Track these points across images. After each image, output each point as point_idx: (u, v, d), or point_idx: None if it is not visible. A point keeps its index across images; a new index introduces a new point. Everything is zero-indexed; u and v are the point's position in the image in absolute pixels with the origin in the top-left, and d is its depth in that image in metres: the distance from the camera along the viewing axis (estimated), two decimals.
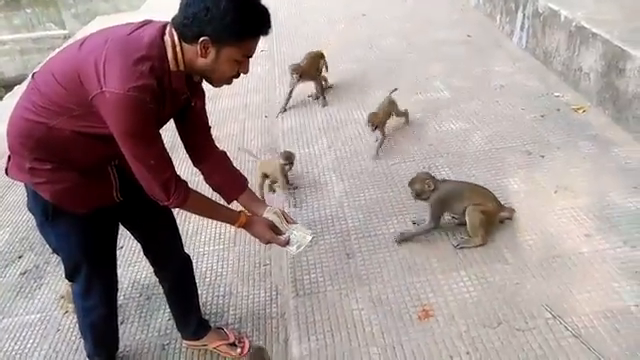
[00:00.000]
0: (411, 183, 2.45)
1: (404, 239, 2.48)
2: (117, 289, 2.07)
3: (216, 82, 1.59)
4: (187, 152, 1.87)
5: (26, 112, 1.54)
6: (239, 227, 1.83)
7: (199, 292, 2.60)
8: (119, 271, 2.06)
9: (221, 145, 3.47)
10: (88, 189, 1.67)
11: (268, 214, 1.90)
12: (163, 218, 2.00)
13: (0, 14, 11.59)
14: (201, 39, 1.43)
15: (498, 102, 3.72)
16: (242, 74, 1.60)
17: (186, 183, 1.67)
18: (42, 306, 2.70)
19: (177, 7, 1.47)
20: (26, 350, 2.44)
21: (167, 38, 1.48)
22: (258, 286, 2.66)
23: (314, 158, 3.29)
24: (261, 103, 4.57)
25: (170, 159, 1.61)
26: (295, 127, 3.75)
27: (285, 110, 4.04)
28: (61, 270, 2.03)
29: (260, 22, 1.49)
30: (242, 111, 4.48)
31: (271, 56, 5.26)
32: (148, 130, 1.49)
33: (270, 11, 1.48)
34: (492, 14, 5.18)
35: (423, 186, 2.38)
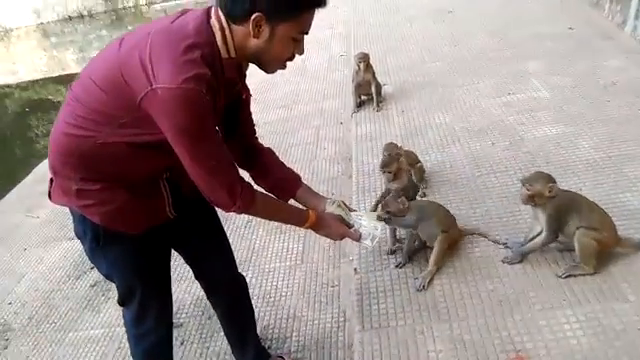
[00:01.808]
0: (530, 180, 2.01)
1: (521, 259, 2.08)
2: (172, 314, 1.89)
3: (270, 67, 1.41)
4: (234, 155, 1.63)
5: (67, 127, 1.38)
6: (309, 227, 1.65)
7: (262, 313, 2.43)
8: (182, 286, 1.90)
9: (294, 153, 3.26)
10: (140, 207, 1.51)
11: (332, 207, 1.73)
12: (217, 236, 1.83)
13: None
14: (254, 16, 1.26)
15: (609, 102, 3.18)
16: (297, 55, 1.41)
17: (250, 184, 1.49)
18: (107, 321, 2.63)
19: None
20: None
21: (214, 21, 1.31)
22: (325, 310, 2.40)
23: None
24: (337, 109, 4.35)
25: (232, 159, 1.44)
26: (370, 134, 3.46)
27: (359, 106, 3.86)
28: None
29: None
30: (317, 117, 4.28)
31: (349, 60, 5.04)
32: (207, 126, 1.31)
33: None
34: (599, 3, 4.57)
35: (544, 190, 1.96)
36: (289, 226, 2.84)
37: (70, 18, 14.49)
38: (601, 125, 2.95)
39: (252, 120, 1.70)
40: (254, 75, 5.20)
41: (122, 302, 1.73)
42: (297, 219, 1.65)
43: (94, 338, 2.53)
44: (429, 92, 3.85)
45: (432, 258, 2.13)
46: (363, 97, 3.98)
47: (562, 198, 1.98)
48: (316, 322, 2.34)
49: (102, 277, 2.89)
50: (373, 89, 3.80)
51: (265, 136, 4.05)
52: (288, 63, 1.43)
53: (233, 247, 2.87)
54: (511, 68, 3.87)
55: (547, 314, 1.85)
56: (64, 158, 1.41)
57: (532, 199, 1.99)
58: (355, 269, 2.32)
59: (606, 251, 1.98)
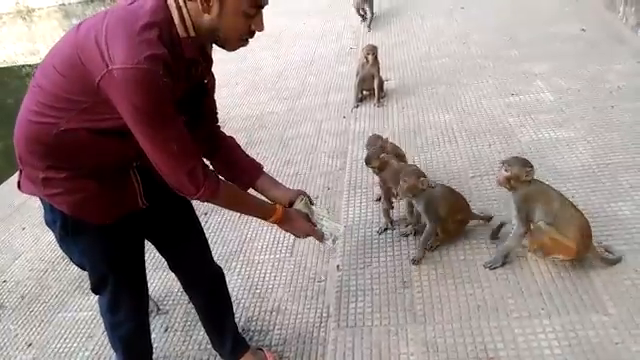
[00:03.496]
0: (509, 162, 2.00)
1: (502, 262, 2.08)
2: (148, 302, 1.90)
3: (229, 43, 1.37)
4: (196, 143, 1.58)
5: (29, 114, 1.35)
6: (273, 222, 1.63)
7: (247, 304, 2.44)
8: (170, 274, 1.90)
9: (295, 146, 3.24)
10: (110, 196, 1.48)
11: (300, 205, 1.72)
12: (191, 227, 1.81)
13: None
14: None
15: (613, 107, 3.10)
16: (257, 31, 1.37)
17: (214, 172, 1.46)
18: (95, 304, 2.65)
19: None
20: (71, 350, 2.40)
21: (171, 1, 1.28)
22: (309, 305, 2.39)
23: None
24: (341, 103, 4.31)
25: (194, 144, 1.39)
26: (367, 130, 3.43)
27: (360, 101, 3.87)
28: None
29: None
30: (321, 110, 4.25)
31: (357, 54, 4.98)
32: (165, 108, 1.27)
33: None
34: (613, 4, 4.44)
35: (521, 173, 1.96)
36: None
37: (91, 0, 14.55)
38: (602, 131, 2.88)
39: (215, 107, 1.66)
40: (265, 67, 5.25)
41: (95, 290, 1.72)
42: (262, 212, 1.62)
43: (82, 320, 2.56)
44: (432, 89, 3.80)
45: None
46: (365, 92, 3.95)
47: (533, 188, 1.98)
48: (299, 316, 2.33)
49: None
50: (376, 84, 3.77)
51: (268, 127, 4.06)
52: (262, 43, 1.41)
53: (224, 238, 2.95)
54: (517, 68, 3.80)
55: (523, 322, 1.82)
56: (29, 146, 1.39)
57: (509, 182, 1.99)
58: (338, 266, 2.31)
59: (573, 257, 1.95)
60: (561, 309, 1.84)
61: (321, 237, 1.72)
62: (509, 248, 2.07)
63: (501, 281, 2.01)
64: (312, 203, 1.79)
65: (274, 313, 2.38)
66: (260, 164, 1.78)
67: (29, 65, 11.10)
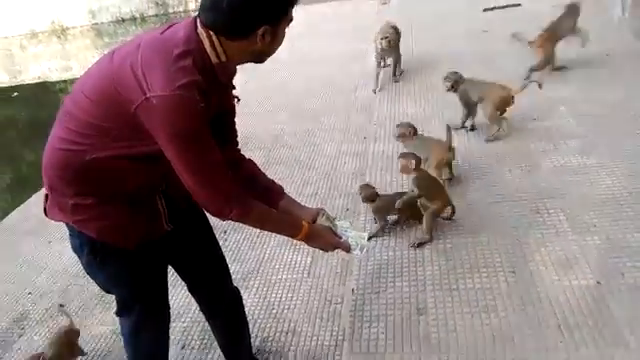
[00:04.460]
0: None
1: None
2: (169, 324, 1.92)
3: (265, 59, 1.45)
4: None
5: (60, 141, 1.39)
6: (301, 239, 1.63)
7: (263, 325, 2.45)
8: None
9: (315, 166, 3.28)
10: (137, 221, 1.52)
11: (322, 219, 1.74)
12: (211, 249, 1.85)
13: None
14: (261, 30, 1.31)
15: (638, 134, 3.05)
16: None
17: (245, 192, 1.49)
18: (115, 318, 2.69)
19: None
20: None
21: (201, 30, 1.33)
22: (324, 327, 2.39)
23: (399, 188, 2.94)
24: (362, 124, 4.32)
25: (226, 165, 1.43)
26: (387, 152, 3.44)
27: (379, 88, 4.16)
28: None
29: None
30: (342, 131, 4.27)
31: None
32: (202, 132, 1.31)
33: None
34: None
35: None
36: None
37: (123, 20, 15.03)
38: (625, 159, 2.83)
39: (236, 130, 1.69)
40: (288, 87, 5.30)
41: (119, 313, 1.76)
42: (291, 230, 1.63)
43: (102, 334, 2.61)
44: (453, 115, 3.78)
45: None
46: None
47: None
48: (315, 339, 2.33)
49: None
50: (392, 60, 4.05)
51: (288, 146, 4.10)
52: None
53: (243, 256, 2.97)
54: (540, 93, 3.76)
55: (540, 355, 1.80)
56: (59, 173, 1.42)
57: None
58: (353, 289, 2.31)
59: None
60: (580, 343, 1.81)
61: (348, 248, 1.72)
62: None
63: (518, 311, 1.98)
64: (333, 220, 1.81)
65: (289, 334, 2.38)
66: (280, 185, 1.81)
67: (63, 81, 11.47)
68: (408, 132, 3.02)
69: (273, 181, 1.80)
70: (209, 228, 1.82)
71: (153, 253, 1.62)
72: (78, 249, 1.58)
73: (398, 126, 3.11)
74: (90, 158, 1.35)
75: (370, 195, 2.66)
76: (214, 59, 1.34)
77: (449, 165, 2.88)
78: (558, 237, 2.33)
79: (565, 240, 2.30)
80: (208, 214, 1.54)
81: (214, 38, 1.32)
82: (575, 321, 1.89)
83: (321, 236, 1.68)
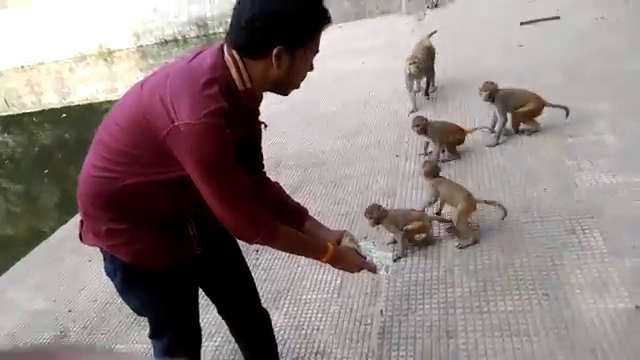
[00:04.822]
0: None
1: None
2: (200, 348, 1.93)
3: (289, 90, 1.47)
4: None
5: (93, 169, 1.45)
6: (327, 261, 1.64)
7: (293, 345, 2.46)
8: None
9: (348, 185, 3.31)
10: (168, 244, 1.56)
11: (345, 241, 1.74)
12: (240, 271, 1.88)
13: None
14: (275, 50, 1.32)
15: None
16: (309, 72, 1.46)
17: (272, 216, 1.51)
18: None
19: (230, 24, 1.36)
20: None
21: (227, 57, 1.36)
22: (354, 349, 2.38)
23: (430, 207, 2.90)
24: (395, 141, 4.32)
25: (253, 190, 1.46)
26: (418, 170, 3.41)
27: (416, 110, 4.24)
28: None
29: (323, 8, 1.37)
30: (375, 149, 4.27)
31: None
32: (228, 159, 1.34)
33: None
34: None
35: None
36: None
37: (166, 42, 15.58)
38: None
39: (262, 154, 1.72)
40: (322, 105, 5.36)
41: (152, 337, 1.79)
42: (317, 252, 1.64)
43: (138, 352, 2.68)
44: (487, 132, 3.73)
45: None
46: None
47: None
48: None
49: None
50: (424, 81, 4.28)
51: (322, 165, 4.13)
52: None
53: (274, 276, 3.01)
54: (578, 108, 3.66)
55: None
56: (93, 199, 1.48)
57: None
58: (381, 311, 2.30)
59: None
60: None
61: (374, 268, 1.73)
62: None
63: (551, 335, 1.92)
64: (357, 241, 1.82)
65: (319, 355, 2.38)
66: (305, 208, 1.82)
67: (108, 101, 11.98)
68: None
69: (298, 203, 1.82)
70: (238, 251, 1.85)
71: (184, 277, 1.66)
72: (112, 273, 1.63)
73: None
74: (122, 185, 1.40)
75: (378, 218, 2.59)
76: (240, 86, 1.37)
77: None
78: (594, 259, 2.25)
79: (601, 262, 2.22)
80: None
81: (239, 63, 1.35)
82: (610, 346, 1.81)
83: (346, 257, 1.69)
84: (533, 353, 1.87)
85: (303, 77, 1.45)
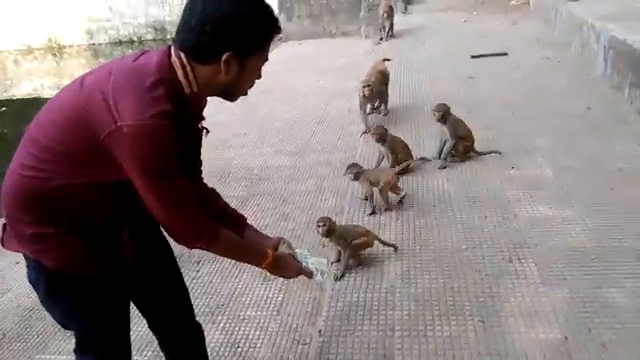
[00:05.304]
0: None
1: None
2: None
3: (236, 97, 1.45)
4: None
5: (21, 168, 1.35)
6: (265, 267, 1.62)
7: None
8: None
9: (295, 201, 3.46)
10: (100, 249, 1.47)
11: (283, 247, 1.75)
12: (176, 281, 1.80)
13: None
14: (224, 56, 1.29)
15: (613, 189, 3.09)
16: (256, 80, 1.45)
17: (213, 221, 1.47)
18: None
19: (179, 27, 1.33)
20: None
21: (175, 59, 1.32)
22: None
23: (376, 229, 2.92)
24: (345, 161, 4.32)
25: (194, 194, 1.42)
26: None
27: (368, 131, 4.23)
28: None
29: (274, 17, 1.37)
30: (324, 167, 4.28)
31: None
32: (172, 162, 1.30)
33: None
34: (620, 86, 4.52)
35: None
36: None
37: (120, 42, 15.15)
38: (599, 213, 2.86)
39: (201, 160, 1.68)
40: (275, 121, 5.34)
41: (78, 351, 1.65)
42: (257, 258, 1.62)
43: None
44: (432, 164, 3.80)
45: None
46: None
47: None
48: None
49: None
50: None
51: (271, 180, 4.10)
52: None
53: (213, 289, 2.92)
54: (520, 141, 3.83)
55: None
56: (20, 200, 1.37)
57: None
58: (320, 331, 2.27)
59: None
60: None
61: (310, 274, 1.73)
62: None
63: None
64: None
65: None
66: (244, 216, 1.80)
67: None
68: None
69: (236, 210, 1.79)
70: (173, 259, 1.77)
71: (114, 286, 1.56)
72: (35, 281, 1.51)
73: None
74: (52, 185, 1.32)
75: (329, 229, 2.63)
76: (187, 89, 1.34)
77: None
78: (528, 288, 2.32)
79: (535, 291, 2.29)
80: (174, 242, 1.49)
81: (187, 66, 1.32)
82: None
83: (285, 263, 1.68)
84: None
85: (251, 84, 1.44)
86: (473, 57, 6.34)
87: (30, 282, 1.53)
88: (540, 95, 4.81)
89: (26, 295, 3.09)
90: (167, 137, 1.25)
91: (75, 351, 1.66)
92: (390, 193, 3.21)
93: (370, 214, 3.16)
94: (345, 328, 2.25)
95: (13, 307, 3.01)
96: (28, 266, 1.50)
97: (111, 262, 1.51)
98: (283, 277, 1.77)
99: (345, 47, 8.58)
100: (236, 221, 1.74)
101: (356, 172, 3.20)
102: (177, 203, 1.35)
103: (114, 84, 1.26)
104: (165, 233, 1.47)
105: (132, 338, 2.36)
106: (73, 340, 2.59)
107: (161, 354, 2.41)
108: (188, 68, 1.32)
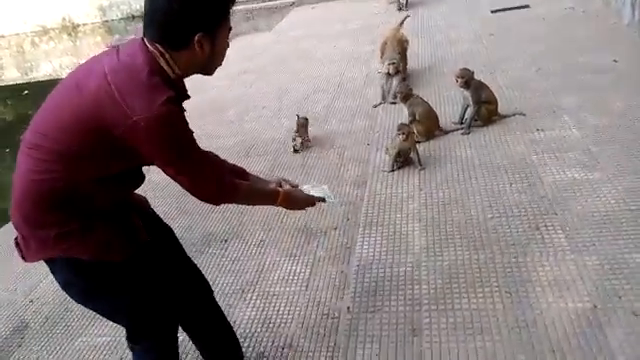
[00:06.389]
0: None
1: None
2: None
3: (214, 70, 1.56)
4: None
5: (33, 174, 1.41)
6: (280, 204, 1.79)
7: (260, 339, 2.45)
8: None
9: (318, 173, 3.58)
10: (121, 233, 1.55)
11: (286, 186, 1.89)
12: (187, 259, 1.91)
13: None
14: (196, 37, 1.40)
15: None
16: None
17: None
18: (113, 331, 2.67)
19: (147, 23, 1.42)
20: None
21: (153, 50, 1.41)
22: (321, 343, 2.37)
23: (399, 201, 2.92)
24: (366, 130, 4.29)
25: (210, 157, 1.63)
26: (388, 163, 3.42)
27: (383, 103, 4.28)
28: None
29: None
30: (345, 137, 4.24)
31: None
32: (189, 137, 1.44)
33: None
34: None
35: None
36: (299, 248, 2.90)
37: (133, 17, 15.06)
38: (628, 174, 2.78)
39: None
40: (292, 91, 5.27)
41: (131, 340, 1.73)
42: (270, 198, 1.77)
43: (100, 345, 2.61)
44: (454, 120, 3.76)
45: None
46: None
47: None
48: (310, 354, 2.32)
49: None
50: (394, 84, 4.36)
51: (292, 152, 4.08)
52: None
53: (241, 267, 2.98)
54: (544, 101, 3.72)
55: None
56: (40, 204, 1.42)
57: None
58: (348, 307, 2.30)
59: None
60: None
61: (323, 199, 1.90)
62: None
63: (513, 335, 1.96)
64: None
65: (285, 350, 2.37)
66: (242, 166, 1.90)
67: None
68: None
69: (234, 164, 1.89)
70: (178, 242, 1.89)
71: (144, 265, 1.63)
72: (69, 281, 1.56)
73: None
74: (70, 183, 1.40)
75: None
76: (171, 74, 1.43)
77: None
78: (556, 256, 2.30)
79: (563, 260, 2.27)
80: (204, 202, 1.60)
81: (166, 55, 1.41)
82: (569, 346, 1.87)
83: (296, 197, 1.84)
84: (495, 353, 1.91)
85: (224, 55, 1.54)
86: (493, 12, 6.11)
87: (64, 287, 1.58)
88: (565, 49, 4.62)
89: None
90: (179, 118, 1.39)
91: (128, 342, 1.74)
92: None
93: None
94: (372, 304, 2.28)
95: (52, 292, 3.11)
96: (55, 272, 1.55)
97: (133, 243, 1.58)
98: (299, 209, 1.92)
99: (360, 9, 8.35)
100: (239, 172, 1.85)
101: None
102: (201, 171, 1.49)
103: (115, 84, 1.33)
104: (194, 197, 1.56)
105: (113, 326, 2.47)
106: (111, 323, 2.70)
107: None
108: (167, 56, 1.41)
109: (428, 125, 3.60)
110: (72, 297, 1.62)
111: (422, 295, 2.24)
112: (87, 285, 1.56)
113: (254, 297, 2.71)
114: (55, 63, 13.02)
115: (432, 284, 2.29)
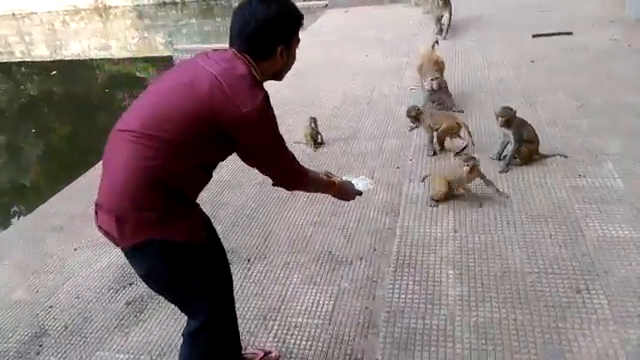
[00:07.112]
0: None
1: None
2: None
3: (283, 77, 1.80)
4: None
5: (147, 160, 1.59)
6: (334, 193, 2.05)
7: None
8: None
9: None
10: (198, 219, 1.78)
11: (334, 179, 2.09)
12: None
13: None
14: (279, 49, 1.67)
15: None
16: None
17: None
18: (134, 346, 2.64)
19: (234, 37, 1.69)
20: None
21: (244, 59, 1.66)
22: None
23: (432, 243, 2.83)
24: (397, 151, 4.20)
25: None
26: (422, 196, 3.32)
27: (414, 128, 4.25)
28: (159, 309, 2.25)
29: (296, 6, 1.74)
30: (375, 157, 4.15)
31: (418, 95, 4.88)
32: (278, 128, 1.71)
33: None
34: None
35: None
36: (324, 277, 2.90)
37: (164, 4, 15.12)
38: None
39: None
40: (321, 102, 5.16)
41: (206, 320, 1.85)
42: (327, 187, 2.03)
43: None
44: (490, 164, 3.59)
45: None
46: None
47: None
48: None
49: (138, 295, 3.01)
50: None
51: (321, 169, 4.00)
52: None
53: (265, 291, 2.92)
54: (587, 142, 3.58)
55: None
56: (148, 187, 1.61)
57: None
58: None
59: None
60: None
61: (360, 193, 2.16)
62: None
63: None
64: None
65: None
66: None
67: (100, 59, 11.65)
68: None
69: None
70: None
71: (216, 250, 1.87)
72: (154, 264, 1.72)
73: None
74: (173, 170, 1.61)
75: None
76: (258, 78, 1.67)
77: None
78: (598, 325, 2.19)
79: (605, 330, 2.16)
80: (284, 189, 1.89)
81: (253, 63, 1.66)
82: None
83: (346, 188, 2.11)
84: None
85: (294, 63, 1.79)
86: (534, 36, 5.95)
87: (146, 272, 1.77)
88: (609, 86, 4.47)
89: (85, 286, 3.16)
90: (273, 111, 1.66)
91: (197, 329, 1.87)
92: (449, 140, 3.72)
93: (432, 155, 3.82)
94: (403, 357, 2.20)
95: (73, 298, 3.08)
96: (138, 259, 1.74)
97: (206, 229, 1.81)
98: (347, 200, 2.19)
99: (394, 16, 8.23)
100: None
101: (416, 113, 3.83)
102: (287, 157, 1.77)
103: (225, 83, 1.58)
104: (276, 184, 1.83)
105: (133, 342, 2.42)
106: (132, 337, 2.65)
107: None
108: (254, 64, 1.67)
109: (533, 148, 3.47)
110: (152, 284, 1.84)
111: (455, 355, 2.15)
112: (174, 267, 1.72)
113: (275, 326, 2.65)
114: (84, 43, 13.10)
115: (466, 343, 2.20)
